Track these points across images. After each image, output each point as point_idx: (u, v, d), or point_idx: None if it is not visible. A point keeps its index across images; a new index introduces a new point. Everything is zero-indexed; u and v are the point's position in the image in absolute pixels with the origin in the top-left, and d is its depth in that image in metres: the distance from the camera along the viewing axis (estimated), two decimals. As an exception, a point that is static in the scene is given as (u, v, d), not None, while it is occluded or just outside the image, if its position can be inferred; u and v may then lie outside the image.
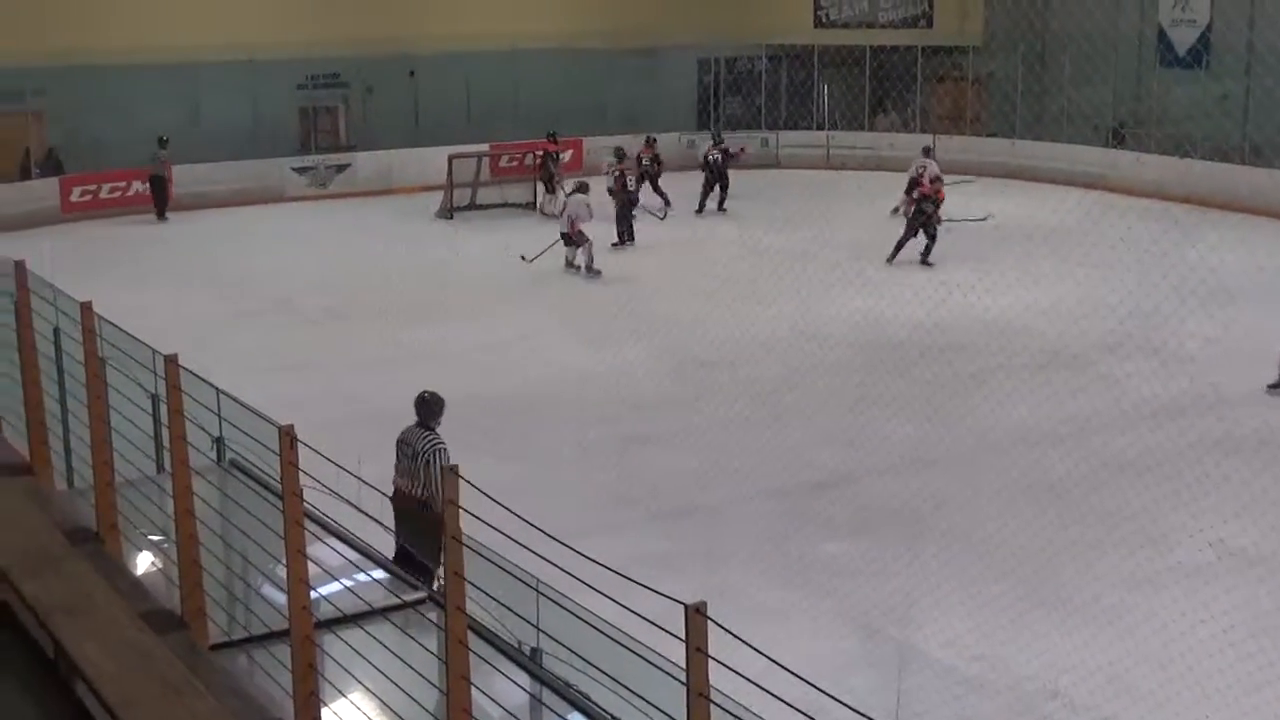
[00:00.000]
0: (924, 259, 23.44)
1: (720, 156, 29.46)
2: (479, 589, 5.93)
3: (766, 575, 11.85)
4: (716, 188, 29.34)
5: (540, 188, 29.53)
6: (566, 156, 31.48)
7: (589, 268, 23.06)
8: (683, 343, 18.67)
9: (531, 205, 29.44)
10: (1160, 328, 17.39)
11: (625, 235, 25.73)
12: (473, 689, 5.66)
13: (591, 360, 18.21)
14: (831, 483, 14.09)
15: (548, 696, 6.06)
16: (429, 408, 10.69)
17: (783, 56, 37.47)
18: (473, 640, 5.84)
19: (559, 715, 5.91)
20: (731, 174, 29.49)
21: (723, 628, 4.56)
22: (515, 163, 31.18)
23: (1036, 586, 11.47)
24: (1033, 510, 13.07)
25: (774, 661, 4.71)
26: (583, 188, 23.96)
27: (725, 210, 29.23)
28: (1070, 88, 33.05)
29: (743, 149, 30.89)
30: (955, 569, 11.73)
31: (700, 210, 29.15)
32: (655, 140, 29.87)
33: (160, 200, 28.79)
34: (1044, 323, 19.61)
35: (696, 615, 4.48)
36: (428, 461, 10.25)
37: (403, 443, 10.47)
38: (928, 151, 28.30)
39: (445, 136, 31.68)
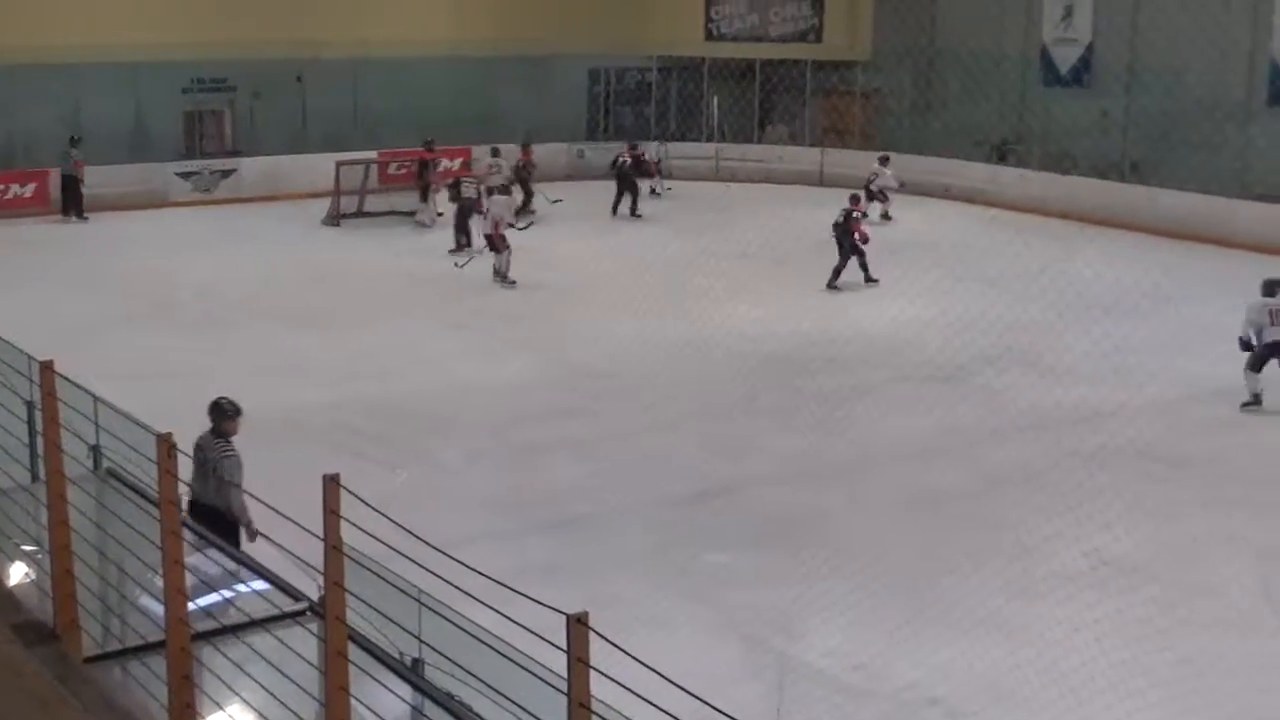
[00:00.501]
0: (867, 277, 23.25)
1: (630, 160, 29.65)
2: (360, 599, 5.90)
3: (652, 585, 11.87)
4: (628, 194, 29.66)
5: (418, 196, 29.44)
6: (456, 164, 31.39)
7: (505, 277, 22.97)
8: (572, 352, 18.69)
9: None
10: (1038, 341, 17.69)
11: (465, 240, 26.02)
12: (352, 700, 5.62)
13: (480, 369, 18.16)
14: (717, 493, 14.16)
15: (429, 708, 6.03)
16: (222, 413, 10.54)
17: (673, 68, 37.64)
18: (353, 651, 5.80)
19: (442, 730, 5.88)
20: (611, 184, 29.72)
21: (604, 638, 4.57)
22: (404, 170, 31.01)
23: (917, 596, 11.60)
24: (914, 521, 13.24)
25: (655, 672, 4.74)
26: (504, 189, 23.84)
27: (640, 216, 29.40)
28: (955, 104, 33.55)
29: (657, 162, 31.09)
30: (838, 579, 11.81)
31: (614, 213, 29.62)
32: (530, 146, 30.15)
33: (74, 200, 28.30)
34: (927, 335, 19.84)
35: (578, 625, 4.50)
36: (215, 468, 10.12)
37: (198, 449, 10.27)
38: (885, 161, 29.29)
39: (333, 143, 31.48)
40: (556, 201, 28.69)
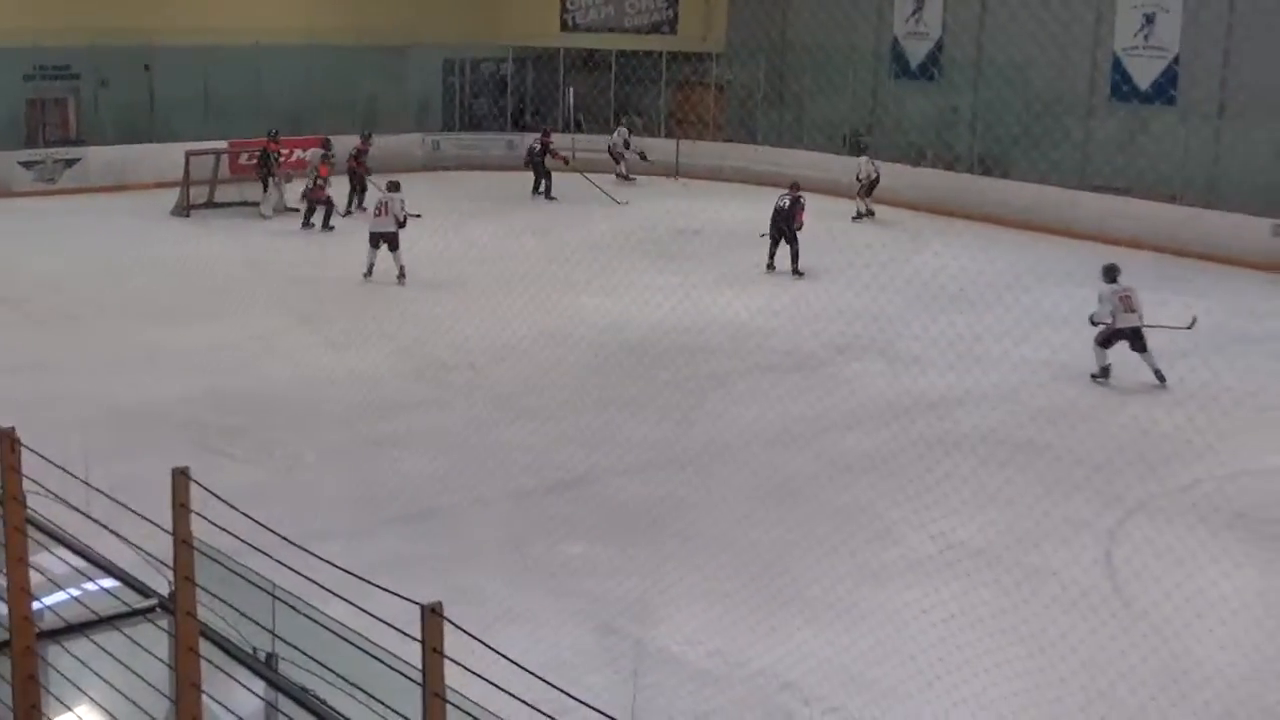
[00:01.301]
0: (795, 269, 23.26)
1: (540, 147, 29.70)
2: (212, 595, 5.86)
3: (508, 577, 11.89)
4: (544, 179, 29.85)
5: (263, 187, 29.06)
6: (307, 155, 31.05)
7: (372, 270, 22.79)
8: (426, 344, 18.62)
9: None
10: (888, 330, 18.02)
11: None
12: (205, 697, 5.58)
13: (334, 361, 18.01)
14: (573, 484, 14.22)
15: (283, 703, 5.98)
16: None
17: (529, 59, 37.60)
18: (205, 647, 5.74)
19: (298, 726, 5.84)
20: (474, 175, 29.61)
21: (458, 627, 4.61)
22: (254, 159, 30.54)
23: (771, 582, 11.77)
24: (767, 508, 13.42)
25: (511, 661, 4.79)
26: (394, 186, 23.46)
27: (555, 199, 29.45)
28: (808, 97, 33.98)
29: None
30: (693, 567, 11.96)
31: (534, 195, 30.51)
32: (370, 136, 29.96)
33: None
34: (780, 325, 20.10)
35: (432, 615, 4.52)
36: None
37: None
38: (865, 148, 30.03)
39: (183, 132, 30.87)
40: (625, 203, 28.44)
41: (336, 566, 5.65)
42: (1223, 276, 24.07)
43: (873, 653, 10.44)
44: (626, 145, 33.49)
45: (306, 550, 5.91)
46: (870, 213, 29.06)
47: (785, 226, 23.36)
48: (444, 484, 13.97)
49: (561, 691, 4.85)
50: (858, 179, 29.27)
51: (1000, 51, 30.40)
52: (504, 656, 4.83)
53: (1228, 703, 9.84)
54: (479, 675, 4.75)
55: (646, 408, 16.04)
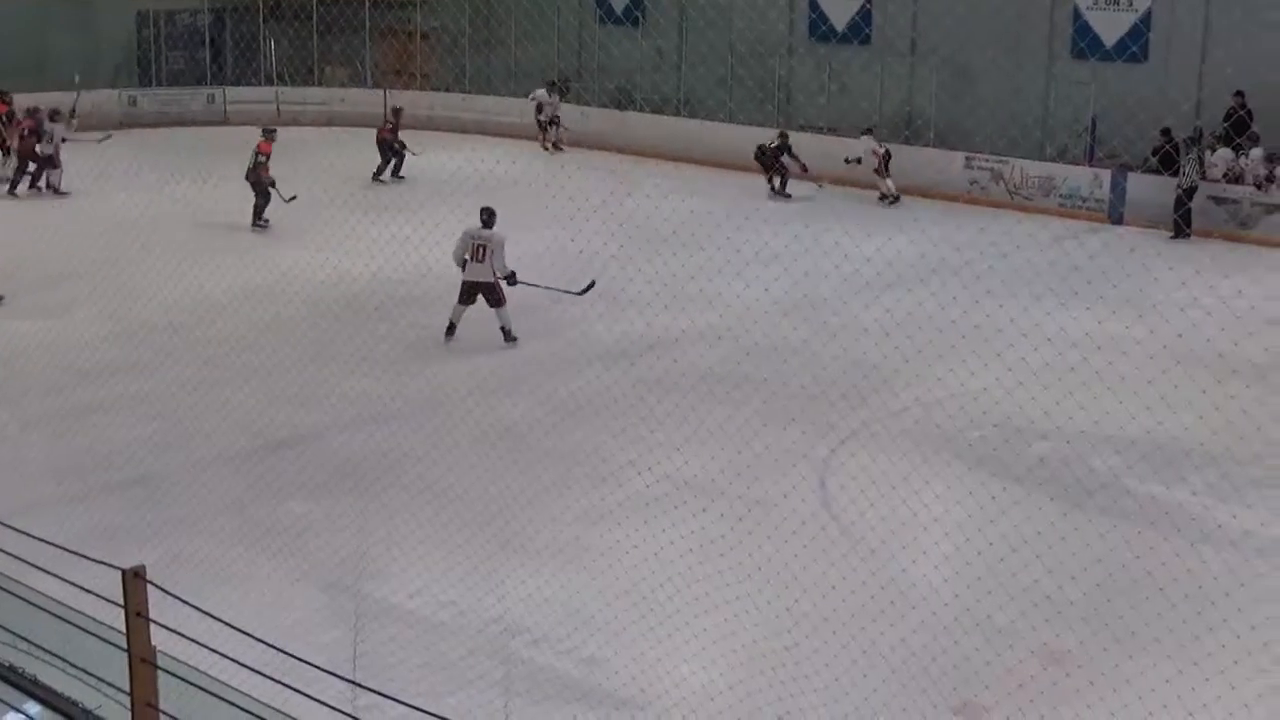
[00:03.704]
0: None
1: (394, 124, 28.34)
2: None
3: (228, 539, 11.60)
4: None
5: None
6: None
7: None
8: (128, 306, 17.91)
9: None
10: (604, 273, 18.11)
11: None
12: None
13: (32, 327, 17.23)
14: (291, 442, 13.92)
15: (-7, 684, 5.73)
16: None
17: (226, 10, 36.44)
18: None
19: (5, 703, 5.60)
20: (175, 131, 28.52)
21: (163, 589, 4.46)
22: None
23: (499, 530, 11.76)
24: (491, 457, 13.39)
25: (221, 621, 4.67)
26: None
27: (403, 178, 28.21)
28: (516, 43, 33.84)
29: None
30: (420, 520, 11.86)
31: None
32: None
33: None
34: (498, 273, 20.00)
35: (135, 579, 4.39)
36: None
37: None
38: (870, 129, 26.85)
39: None
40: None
41: (40, 539, 5.41)
42: (923, 209, 24.93)
43: (601, 593, 10.54)
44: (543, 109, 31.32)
45: (7, 525, 5.65)
46: (896, 196, 26.07)
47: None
48: (156, 449, 13.55)
49: (278, 650, 4.75)
50: (859, 160, 26.26)
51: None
52: (212, 616, 4.71)
53: (944, 618, 10.23)
54: (190, 639, 4.62)
55: (364, 362, 15.78)
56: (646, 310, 16.84)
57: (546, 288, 16.88)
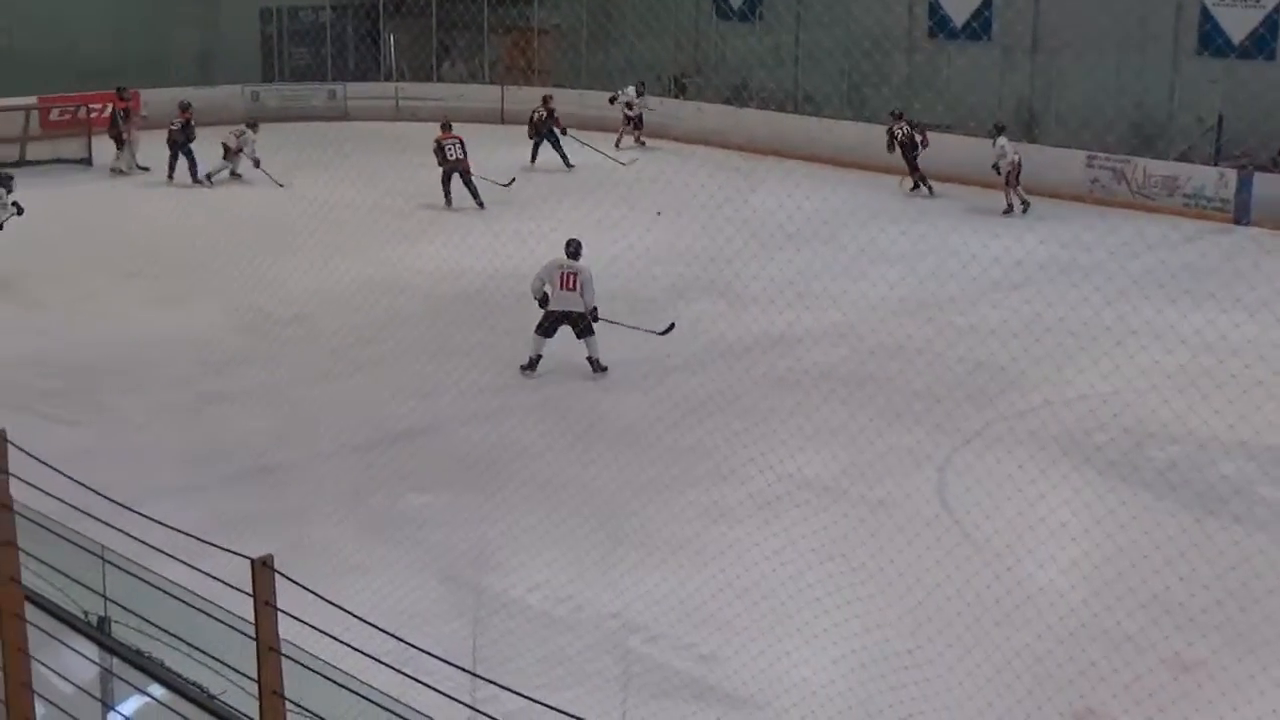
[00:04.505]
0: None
1: (545, 115, 28.49)
2: (38, 560, 5.59)
3: (348, 530, 11.67)
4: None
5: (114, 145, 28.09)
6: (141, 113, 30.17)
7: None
8: (255, 298, 18.14)
9: (87, 161, 28.02)
10: (726, 271, 17.99)
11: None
12: (35, 663, 5.35)
13: (161, 318, 17.52)
14: (412, 434, 13.97)
15: (118, 666, 5.75)
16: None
17: (348, 6, 36.81)
18: (34, 613, 5.51)
19: (131, 685, 5.62)
20: (297, 126, 28.86)
21: (289, 579, 4.43)
22: (67, 116, 29.48)
23: (617, 526, 11.70)
24: (612, 452, 13.33)
25: (345, 611, 4.63)
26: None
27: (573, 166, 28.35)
28: (633, 39, 33.78)
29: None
30: (540, 514, 11.84)
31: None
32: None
33: None
34: (616, 269, 19.93)
35: (262, 569, 4.38)
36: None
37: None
38: (1003, 129, 25.09)
39: (-12, 88, 29.66)
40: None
41: (168, 526, 5.41)
42: (1047, 209, 24.48)
43: (718, 590, 10.43)
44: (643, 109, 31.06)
45: (136, 511, 5.66)
46: (1025, 204, 24.57)
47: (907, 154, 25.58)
48: (280, 439, 13.67)
49: (400, 640, 4.70)
50: (997, 168, 24.54)
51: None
52: (340, 607, 4.67)
53: (1069, 626, 10.01)
54: (315, 628, 4.59)
55: (485, 356, 15.78)
56: (770, 308, 16.68)
57: (630, 326, 16.49)
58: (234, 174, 26.75)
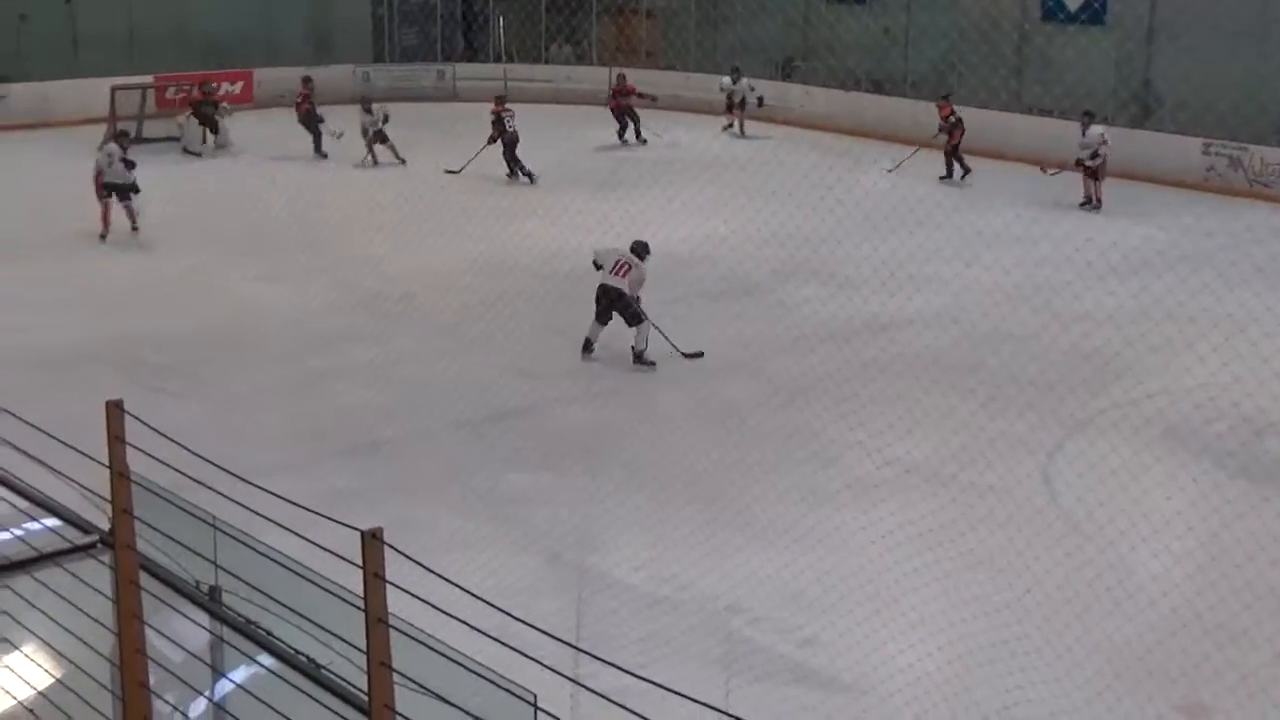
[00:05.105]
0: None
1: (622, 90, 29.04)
2: (153, 529, 5.67)
3: (453, 506, 11.74)
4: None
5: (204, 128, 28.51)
6: (237, 88, 30.58)
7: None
8: (363, 276, 18.32)
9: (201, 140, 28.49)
10: (833, 255, 17.88)
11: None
12: (150, 630, 5.42)
13: (270, 294, 17.73)
14: (516, 413, 14.03)
15: (228, 634, 5.83)
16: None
17: (458, -13, 37.08)
18: (148, 581, 5.60)
19: (241, 653, 5.69)
20: (406, 106, 29.09)
21: (398, 551, 4.45)
22: (182, 95, 29.93)
23: (720, 509, 11.68)
24: (714, 434, 13.30)
25: (453, 584, 4.64)
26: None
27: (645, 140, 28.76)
28: (741, 21, 33.63)
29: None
30: (643, 495, 11.85)
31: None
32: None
33: None
34: (722, 252, 19.94)
35: (372, 541, 4.39)
36: None
37: None
38: (1094, 116, 24.17)
39: (107, 67, 30.14)
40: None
41: (278, 497, 5.46)
42: (1162, 196, 24.03)
43: (823, 575, 10.36)
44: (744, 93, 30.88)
45: (247, 481, 5.72)
46: (1097, 202, 23.57)
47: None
48: (386, 416, 13.78)
49: (505, 614, 4.70)
50: (1083, 163, 23.50)
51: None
52: (446, 579, 4.69)
53: (1181, 619, 9.81)
54: (424, 600, 4.61)
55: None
56: (880, 291, 16.53)
57: (663, 336, 16.20)
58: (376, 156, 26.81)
